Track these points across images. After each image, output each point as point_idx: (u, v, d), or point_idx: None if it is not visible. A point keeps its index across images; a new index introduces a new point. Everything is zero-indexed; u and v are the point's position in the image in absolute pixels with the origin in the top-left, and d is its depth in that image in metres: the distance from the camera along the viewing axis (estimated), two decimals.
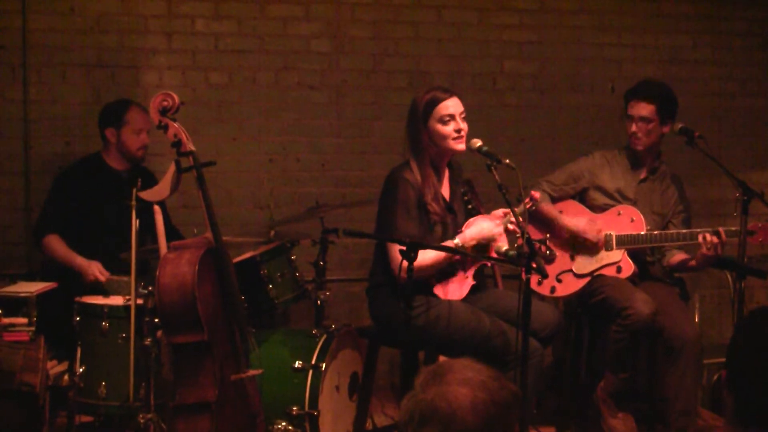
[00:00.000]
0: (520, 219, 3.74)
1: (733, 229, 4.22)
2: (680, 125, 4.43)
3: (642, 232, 4.45)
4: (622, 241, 4.48)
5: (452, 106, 3.90)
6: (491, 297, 4.09)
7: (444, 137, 3.89)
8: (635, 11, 5.86)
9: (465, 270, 3.98)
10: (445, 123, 3.88)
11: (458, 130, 3.89)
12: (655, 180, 4.68)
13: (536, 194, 4.00)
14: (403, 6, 5.54)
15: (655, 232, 4.46)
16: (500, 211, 4.00)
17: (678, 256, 4.58)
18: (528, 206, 3.94)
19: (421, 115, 3.90)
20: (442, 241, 3.90)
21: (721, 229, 4.26)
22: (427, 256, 3.78)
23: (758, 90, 6.05)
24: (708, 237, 4.26)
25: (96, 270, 4.38)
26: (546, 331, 3.95)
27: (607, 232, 4.51)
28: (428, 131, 3.90)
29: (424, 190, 3.89)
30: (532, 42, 5.73)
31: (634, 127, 4.55)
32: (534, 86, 5.75)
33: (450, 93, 3.93)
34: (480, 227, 3.89)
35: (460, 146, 3.90)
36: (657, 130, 4.54)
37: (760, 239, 4.26)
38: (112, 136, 4.63)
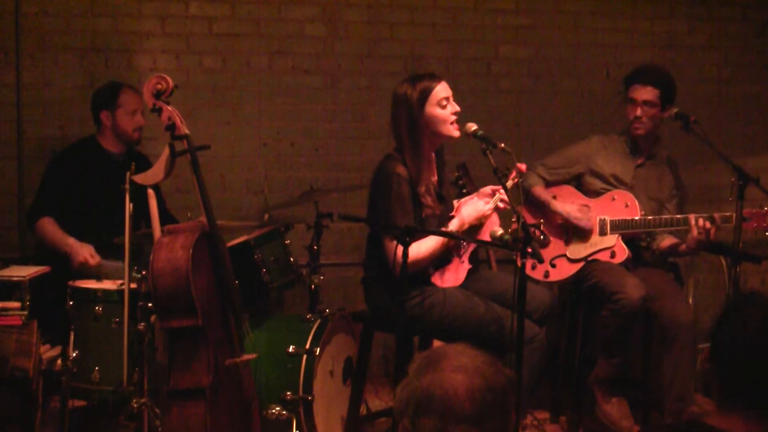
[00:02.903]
0: (510, 196, 3.74)
1: (727, 214, 4.21)
2: (675, 110, 4.41)
3: (636, 217, 4.45)
4: (617, 226, 4.47)
5: (444, 89, 3.89)
6: (485, 279, 4.08)
7: (443, 121, 3.86)
8: None
9: (460, 255, 3.97)
10: (443, 107, 3.86)
11: (455, 113, 3.88)
12: (652, 165, 4.67)
13: (522, 166, 3.89)
14: None
15: (650, 217, 4.45)
16: (488, 189, 3.98)
17: (668, 241, 4.57)
18: (515, 181, 3.88)
19: (417, 102, 3.86)
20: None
21: (715, 215, 4.26)
22: (422, 248, 3.78)
23: (754, 76, 6.04)
24: (700, 221, 4.26)
25: (87, 253, 4.35)
26: (539, 312, 3.94)
27: (602, 217, 4.50)
28: (425, 118, 3.88)
29: (417, 183, 3.88)
30: (528, 27, 5.71)
31: (638, 111, 4.51)
32: (529, 71, 5.73)
33: (438, 77, 3.92)
34: (475, 207, 3.87)
35: (456, 132, 3.88)
36: (659, 115, 4.53)
37: (755, 225, 4.25)
38: (107, 119, 4.62)
